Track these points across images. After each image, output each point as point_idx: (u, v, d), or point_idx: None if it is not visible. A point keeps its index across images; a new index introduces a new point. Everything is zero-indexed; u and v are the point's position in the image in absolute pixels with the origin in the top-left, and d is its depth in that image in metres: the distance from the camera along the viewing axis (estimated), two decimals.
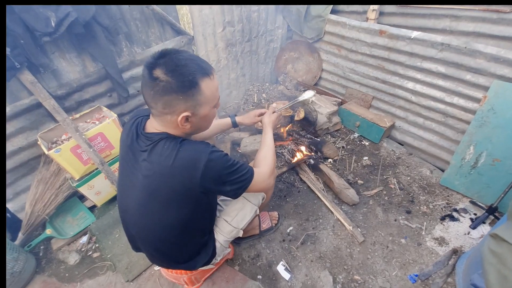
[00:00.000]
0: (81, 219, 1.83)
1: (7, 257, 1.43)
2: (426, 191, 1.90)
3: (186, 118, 0.85)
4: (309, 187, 1.96)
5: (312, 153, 2.10)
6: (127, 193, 0.97)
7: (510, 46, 1.62)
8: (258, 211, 1.29)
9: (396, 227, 1.70)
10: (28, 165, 1.63)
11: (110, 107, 1.84)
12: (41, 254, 1.72)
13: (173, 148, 0.84)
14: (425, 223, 1.70)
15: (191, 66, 0.79)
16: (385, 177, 2.02)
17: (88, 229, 1.78)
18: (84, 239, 1.77)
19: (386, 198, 1.87)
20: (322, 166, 1.99)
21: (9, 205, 1.64)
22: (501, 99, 1.56)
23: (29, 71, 1.35)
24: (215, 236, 1.21)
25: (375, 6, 2.11)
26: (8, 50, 1.20)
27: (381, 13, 2.20)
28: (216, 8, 2.07)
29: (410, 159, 2.16)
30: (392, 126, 2.31)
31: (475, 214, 1.72)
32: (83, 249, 1.73)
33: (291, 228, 1.73)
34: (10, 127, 1.46)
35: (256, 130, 2.27)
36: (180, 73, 0.77)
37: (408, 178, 2.00)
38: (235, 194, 0.98)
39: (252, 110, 1.57)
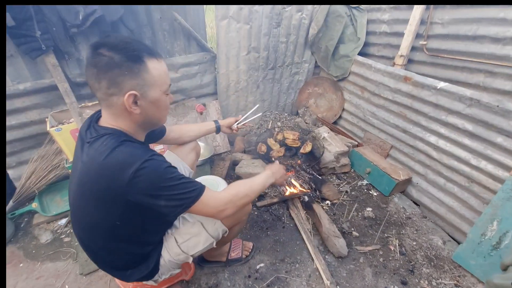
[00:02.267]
0: (67, 202, 1.88)
1: None
2: (432, 263, 1.59)
3: (134, 100, 0.79)
4: (296, 225, 1.78)
5: (309, 190, 1.94)
6: (71, 182, 0.93)
7: None
8: (215, 244, 1.14)
9: None
10: (36, 139, 1.77)
11: None
12: (22, 225, 1.78)
13: (110, 146, 0.78)
14: None
15: (136, 44, 0.78)
16: (386, 235, 1.75)
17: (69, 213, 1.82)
18: (63, 221, 1.80)
19: (381, 259, 1.60)
20: (315, 206, 1.81)
21: (9, 171, 1.77)
22: None
23: (54, 55, 1.52)
24: (162, 251, 1.09)
25: (404, 52, 2.01)
26: (38, 33, 1.38)
27: (410, 61, 2.08)
28: (243, 33, 2.18)
29: (422, 223, 1.86)
30: (409, 181, 2.06)
31: None
32: (58, 231, 1.75)
33: (262, 264, 1.55)
34: (27, 101, 1.63)
35: (258, 155, 2.21)
36: (124, 48, 0.75)
37: (414, 243, 1.71)
38: (172, 212, 0.86)
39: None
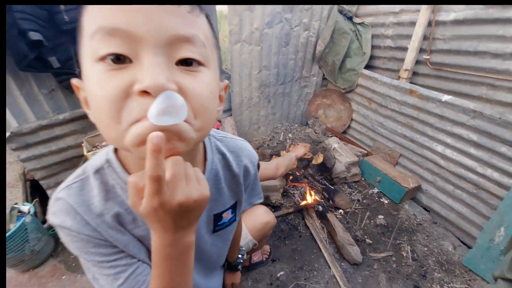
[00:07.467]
0: None
1: (32, 236, 1.67)
2: (443, 268, 1.68)
3: None
4: (311, 234, 1.89)
5: (323, 200, 2.05)
6: None
7: None
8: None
9: None
10: (72, 161, 1.94)
11: None
12: (60, 240, 1.95)
13: None
14: None
15: None
16: (398, 242, 1.85)
17: None
18: None
19: (394, 265, 1.70)
20: (329, 215, 1.93)
21: (48, 192, 1.96)
22: None
23: None
24: None
25: (408, 67, 2.12)
26: (77, 70, 1.55)
27: (415, 73, 2.19)
28: (255, 54, 2.33)
29: (433, 228, 1.95)
30: (418, 188, 2.15)
31: None
32: None
33: (282, 273, 1.67)
34: (66, 129, 1.80)
35: None
36: None
37: (426, 249, 1.80)
38: None
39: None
